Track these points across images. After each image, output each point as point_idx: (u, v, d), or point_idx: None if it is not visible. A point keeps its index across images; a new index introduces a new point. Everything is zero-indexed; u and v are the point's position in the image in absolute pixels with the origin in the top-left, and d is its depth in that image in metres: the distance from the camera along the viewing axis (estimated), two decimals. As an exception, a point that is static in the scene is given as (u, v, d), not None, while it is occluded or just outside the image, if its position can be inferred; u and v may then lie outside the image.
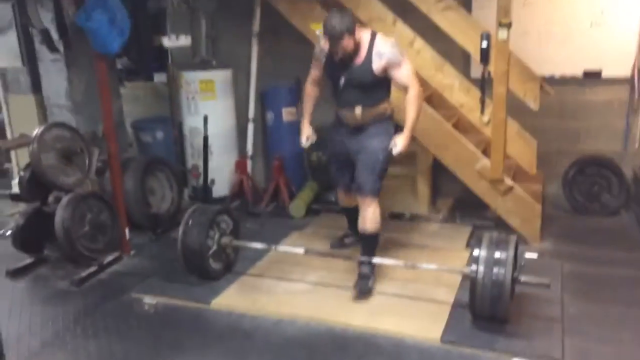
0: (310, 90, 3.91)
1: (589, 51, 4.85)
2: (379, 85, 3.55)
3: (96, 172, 4.56)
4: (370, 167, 3.58)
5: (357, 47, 3.44)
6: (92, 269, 4.10)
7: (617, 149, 4.99)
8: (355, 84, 3.53)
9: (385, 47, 3.43)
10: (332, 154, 3.96)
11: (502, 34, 3.93)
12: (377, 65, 3.43)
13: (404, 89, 3.52)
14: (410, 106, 3.47)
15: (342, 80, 3.54)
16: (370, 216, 3.60)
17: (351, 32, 3.34)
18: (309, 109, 3.93)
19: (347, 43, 3.36)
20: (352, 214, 3.95)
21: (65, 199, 4.01)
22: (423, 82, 4.71)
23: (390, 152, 3.56)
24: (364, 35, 3.47)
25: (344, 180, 3.91)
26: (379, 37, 3.48)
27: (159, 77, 6.03)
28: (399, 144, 3.49)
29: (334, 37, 3.33)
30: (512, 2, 3.94)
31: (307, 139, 3.89)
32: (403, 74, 3.48)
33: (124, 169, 4.60)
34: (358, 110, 3.56)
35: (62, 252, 4.08)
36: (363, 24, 4.57)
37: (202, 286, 3.81)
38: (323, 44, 3.56)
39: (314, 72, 3.82)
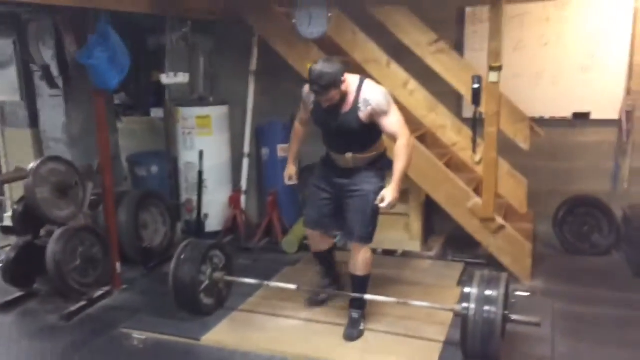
0: (297, 130, 3.84)
1: (579, 94, 4.97)
2: (369, 130, 3.39)
3: (90, 205, 4.57)
4: (361, 211, 3.44)
5: (344, 95, 3.32)
6: (82, 303, 4.07)
7: (607, 189, 5.05)
8: (344, 131, 3.39)
9: (372, 94, 3.30)
10: (314, 190, 3.69)
11: (493, 76, 4.04)
12: (363, 113, 3.30)
13: (393, 138, 3.36)
14: (398, 156, 3.30)
15: (331, 126, 3.44)
16: (361, 261, 3.52)
17: (337, 85, 3.22)
18: (294, 148, 3.88)
19: (334, 95, 3.25)
20: (326, 260, 3.89)
21: (57, 232, 4.01)
22: (416, 122, 4.84)
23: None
24: (351, 82, 3.34)
25: (322, 220, 3.68)
26: (367, 84, 3.36)
27: (156, 113, 6.11)
28: (387, 197, 3.26)
29: (318, 93, 3.25)
30: (503, 47, 4.07)
31: (290, 178, 3.84)
32: (390, 123, 3.31)
33: (117, 203, 4.62)
34: (349, 156, 3.45)
35: (53, 285, 4.06)
36: (358, 65, 4.71)
37: (193, 322, 3.78)
38: (308, 91, 3.45)
39: (302, 114, 3.73)
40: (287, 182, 3.88)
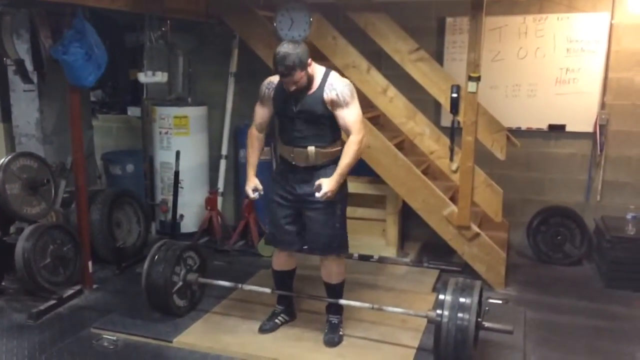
0: (254, 136, 3.52)
1: (554, 106, 5.05)
2: (332, 122, 3.27)
3: (62, 203, 4.51)
4: (330, 226, 3.34)
5: (310, 80, 3.21)
6: (52, 302, 3.99)
7: (580, 200, 5.15)
8: (307, 118, 3.25)
9: (338, 83, 3.22)
10: (274, 207, 3.48)
11: (472, 86, 4.09)
12: (327, 95, 3.19)
13: (347, 132, 3.25)
14: (348, 150, 3.20)
15: (293, 111, 3.27)
16: (335, 271, 3.48)
17: (303, 66, 3.11)
18: (254, 158, 3.53)
19: (300, 77, 3.13)
20: (287, 280, 3.68)
21: (27, 229, 3.94)
22: (395, 129, 4.86)
23: (346, 200, 3.43)
24: (318, 68, 3.27)
25: (288, 237, 3.47)
26: (334, 74, 3.28)
27: (133, 111, 6.03)
28: (324, 187, 3.16)
29: (283, 74, 3.12)
30: (482, 57, 4.13)
31: (255, 190, 3.49)
32: (348, 115, 3.20)
33: (91, 201, 4.55)
34: (311, 149, 3.27)
35: (21, 283, 3.98)
36: (338, 70, 4.71)
37: (165, 323, 3.72)
38: (271, 78, 3.37)
39: (260, 115, 3.48)
40: (251, 195, 3.50)
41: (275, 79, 3.34)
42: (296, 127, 3.31)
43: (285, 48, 3.11)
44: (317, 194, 3.20)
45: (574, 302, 4.23)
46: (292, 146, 3.34)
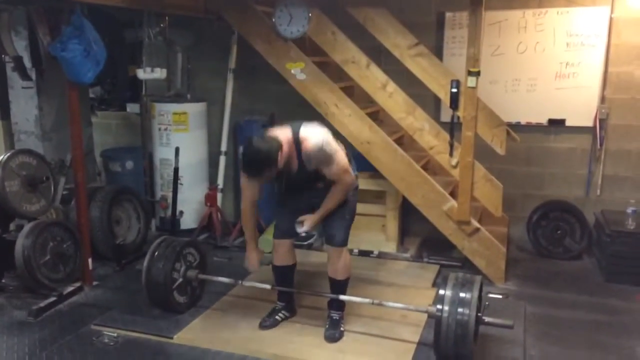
0: (249, 214, 3.51)
1: (554, 101, 5.04)
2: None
3: (62, 200, 4.50)
4: (341, 217, 3.42)
5: (288, 162, 3.21)
6: (52, 299, 3.99)
7: (580, 195, 5.14)
8: (299, 184, 3.38)
9: (313, 152, 3.15)
10: (286, 205, 3.56)
11: (471, 81, 4.08)
12: (309, 167, 3.23)
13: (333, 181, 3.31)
14: (332, 196, 3.31)
15: (284, 184, 3.38)
16: (342, 265, 3.50)
17: (272, 164, 3.08)
18: (252, 230, 3.57)
19: (270, 175, 3.16)
20: (288, 275, 3.70)
21: (27, 226, 3.94)
22: (394, 124, 4.86)
23: (356, 196, 3.50)
24: (288, 147, 3.16)
25: (291, 230, 3.50)
26: (304, 140, 3.17)
27: (132, 108, 6.02)
28: (306, 223, 3.34)
29: (253, 177, 3.20)
30: (481, 52, 4.11)
31: (253, 265, 3.61)
32: (332, 172, 3.24)
33: (90, 198, 4.55)
34: (319, 184, 3.35)
35: (21, 281, 3.98)
36: (337, 66, 4.71)
37: (166, 319, 3.73)
38: None
39: (250, 190, 3.43)
40: (250, 269, 3.66)
41: None
42: (296, 189, 3.44)
43: (251, 150, 3.07)
44: (298, 229, 3.37)
45: (574, 297, 4.23)
46: (298, 197, 3.47)
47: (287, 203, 3.54)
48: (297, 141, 3.20)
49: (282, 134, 3.20)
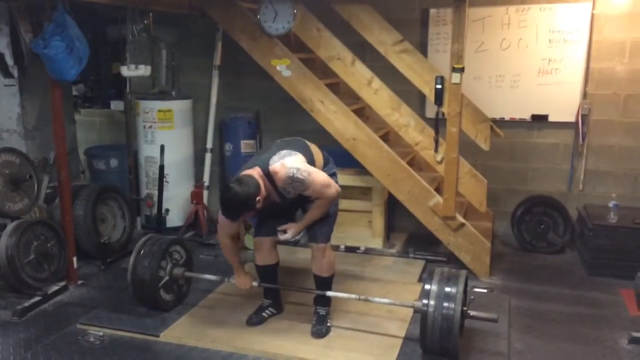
0: (229, 245, 3.53)
1: (537, 97, 5.09)
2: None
3: (46, 199, 4.46)
4: (325, 215, 3.42)
5: (269, 196, 3.23)
6: (36, 298, 3.95)
7: (563, 189, 5.21)
8: (286, 208, 3.44)
9: (287, 184, 3.17)
10: (267, 214, 3.51)
11: (455, 77, 4.10)
12: (290, 195, 3.25)
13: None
14: (316, 208, 3.34)
15: (269, 213, 3.43)
16: (326, 262, 3.49)
17: (251, 207, 3.11)
18: (236, 259, 3.62)
19: (250, 214, 3.23)
20: (271, 274, 3.69)
21: (10, 226, 3.90)
22: (380, 120, 4.88)
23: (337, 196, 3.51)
24: (264, 186, 3.17)
25: (273, 229, 3.50)
26: (276, 177, 3.17)
27: (116, 105, 5.97)
28: (290, 231, 3.37)
29: (233, 219, 3.23)
30: (465, 49, 4.14)
31: (249, 283, 3.64)
32: (314, 193, 3.24)
33: (74, 197, 4.51)
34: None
35: (5, 280, 3.93)
36: (323, 62, 4.71)
37: (152, 317, 3.71)
38: None
39: (228, 229, 3.45)
40: (250, 285, 3.66)
41: None
42: (281, 215, 3.48)
43: (229, 195, 3.08)
44: (281, 236, 3.41)
45: (557, 290, 4.29)
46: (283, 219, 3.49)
47: (270, 213, 3.50)
48: (268, 176, 3.20)
49: (255, 172, 3.19)
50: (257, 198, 3.11)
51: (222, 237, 3.52)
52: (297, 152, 3.28)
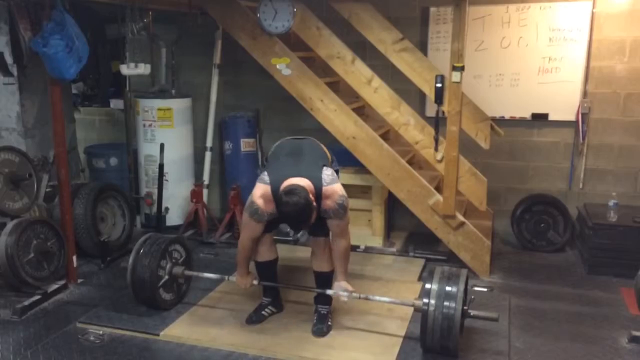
0: (248, 246, 3.49)
1: (537, 95, 5.09)
2: None
3: (45, 198, 4.46)
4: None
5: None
6: (36, 297, 3.95)
7: (563, 188, 5.21)
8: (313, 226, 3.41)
9: (334, 209, 3.22)
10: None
11: (456, 76, 4.10)
12: (324, 215, 3.29)
13: (334, 235, 3.37)
14: (343, 258, 3.40)
15: (294, 231, 3.52)
16: (326, 260, 3.52)
17: (313, 209, 3.12)
18: (246, 262, 3.58)
19: (314, 217, 3.17)
20: (271, 270, 3.70)
21: (10, 224, 3.89)
22: (380, 119, 4.87)
23: None
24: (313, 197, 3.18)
25: (274, 225, 3.56)
26: (329, 200, 3.21)
27: (116, 104, 5.97)
28: (347, 292, 3.40)
29: (299, 227, 3.34)
30: (465, 47, 4.14)
31: (250, 283, 3.62)
32: (339, 227, 3.30)
33: (74, 195, 4.51)
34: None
35: (5, 279, 3.92)
36: (323, 61, 4.71)
37: (152, 316, 3.71)
38: (264, 207, 3.26)
39: (254, 230, 3.40)
40: (252, 283, 3.64)
41: (269, 208, 3.26)
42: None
43: (292, 204, 3.05)
44: (345, 300, 3.43)
45: (557, 289, 4.29)
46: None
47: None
48: (318, 195, 3.20)
49: (304, 183, 3.17)
50: (312, 196, 3.12)
51: (245, 240, 3.47)
52: (333, 172, 3.34)
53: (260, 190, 3.28)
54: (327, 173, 3.28)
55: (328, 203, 3.23)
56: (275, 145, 3.64)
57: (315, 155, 3.42)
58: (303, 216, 3.11)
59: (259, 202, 3.26)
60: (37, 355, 3.31)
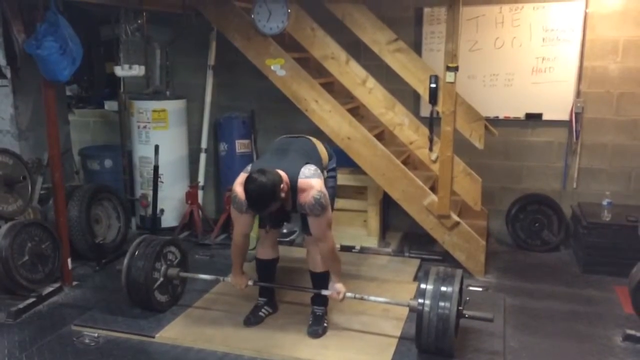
0: (241, 244, 3.48)
1: (531, 95, 5.10)
2: None
3: (40, 200, 4.44)
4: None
5: (285, 199, 3.19)
6: (31, 300, 3.93)
7: (557, 187, 5.23)
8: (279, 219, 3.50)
9: (310, 204, 3.15)
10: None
11: (450, 76, 4.12)
12: (301, 211, 3.28)
13: (315, 236, 3.32)
14: (332, 260, 3.36)
15: (277, 220, 3.53)
16: (321, 259, 3.49)
17: (277, 198, 3.08)
18: (240, 260, 3.56)
19: (275, 207, 3.16)
20: (271, 269, 3.72)
21: (4, 227, 3.87)
22: (374, 120, 4.88)
23: (335, 188, 3.56)
24: (286, 189, 3.15)
25: (279, 223, 3.65)
26: (304, 194, 3.17)
27: (110, 105, 5.95)
28: (341, 293, 3.39)
29: (259, 211, 3.22)
30: (459, 48, 4.15)
31: (245, 283, 3.60)
32: (318, 226, 3.23)
33: (69, 197, 4.50)
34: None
35: (-1, 282, 3.92)
36: (317, 62, 4.71)
37: (147, 319, 3.71)
38: (242, 195, 3.19)
39: (243, 223, 3.38)
40: (247, 285, 3.61)
41: (244, 196, 3.19)
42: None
43: (255, 185, 3.03)
44: (341, 297, 3.42)
45: (551, 288, 4.31)
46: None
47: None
48: (294, 188, 3.18)
49: (281, 173, 3.16)
50: (282, 185, 3.09)
51: (237, 236, 3.47)
52: (317, 168, 3.28)
53: (240, 179, 3.26)
54: (309, 168, 3.24)
55: (304, 196, 3.17)
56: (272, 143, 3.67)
57: (302, 153, 3.39)
58: (264, 199, 3.05)
59: (238, 189, 3.24)
60: (32, 358, 3.30)
